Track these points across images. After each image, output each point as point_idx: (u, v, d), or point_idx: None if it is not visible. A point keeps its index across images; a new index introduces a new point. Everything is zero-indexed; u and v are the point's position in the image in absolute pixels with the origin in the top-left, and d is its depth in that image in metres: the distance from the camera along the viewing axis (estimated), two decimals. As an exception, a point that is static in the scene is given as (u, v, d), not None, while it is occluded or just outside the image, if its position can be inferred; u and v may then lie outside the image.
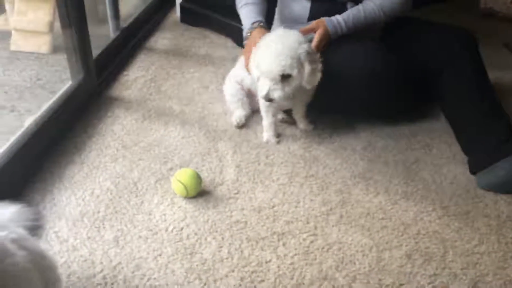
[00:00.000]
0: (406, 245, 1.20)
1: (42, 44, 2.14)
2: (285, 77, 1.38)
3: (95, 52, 1.80)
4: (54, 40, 2.15)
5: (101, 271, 1.07)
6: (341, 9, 1.58)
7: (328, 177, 1.43)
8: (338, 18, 1.54)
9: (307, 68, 1.38)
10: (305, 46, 1.39)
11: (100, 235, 1.16)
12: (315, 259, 1.14)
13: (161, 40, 2.29)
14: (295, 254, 1.15)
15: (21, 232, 0.82)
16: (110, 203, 1.27)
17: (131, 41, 2.18)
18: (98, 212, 1.23)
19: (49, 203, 1.24)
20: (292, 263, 1.13)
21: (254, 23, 1.58)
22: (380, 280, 1.10)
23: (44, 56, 2.12)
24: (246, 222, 1.24)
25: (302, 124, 1.65)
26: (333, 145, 1.58)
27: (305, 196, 1.35)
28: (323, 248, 1.18)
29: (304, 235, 1.21)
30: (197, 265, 1.10)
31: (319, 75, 1.42)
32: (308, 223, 1.25)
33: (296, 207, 1.31)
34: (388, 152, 1.56)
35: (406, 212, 1.31)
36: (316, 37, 1.50)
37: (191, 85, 1.88)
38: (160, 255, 1.12)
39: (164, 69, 1.99)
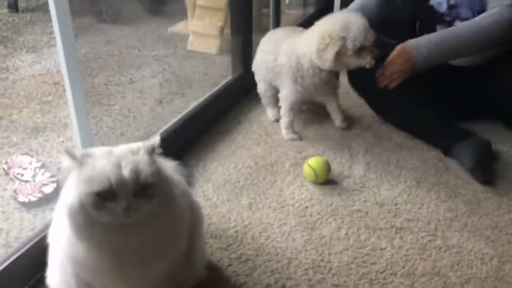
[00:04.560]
0: (534, 263, 1.15)
1: (212, 46, 2.48)
2: None
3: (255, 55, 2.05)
4: (221, 43, 2.48)
5: (235, 226, 1.25)
6: None
7: (459, 188, 1.43)
8: (424, 36, 1.48)
9: None
10: None
11: (238, 200, 1.35)
12: (430, 255, 1.17)
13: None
14: (410, 248, 1.19)
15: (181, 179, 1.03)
16: (248, 176, 1.46)
17: (286, 48, 2.40)
18: (238, 182, 1.43)
19: (201, 168, 1.49)
20: (406, 255, 1.17)
21: None
22: (495, 287, 1.08)
23: (212, 56, 2.46)
24: (367, 212, 1.32)
25: (337, 120, 1.73)
26: (470, 159, 1.55)
27: (431, 200, 1.37)
28: (440, 248, 1.19)
29: (423, 234, 1.24)
30: (315, 239, 1.22)
31: None
32: (429, 224, 1.28)
33: (419, 208, 1.34)
34: (531, 174, 1.48)
35: (540, 233, 1.25)
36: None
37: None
38: (284, 224, 1.27)
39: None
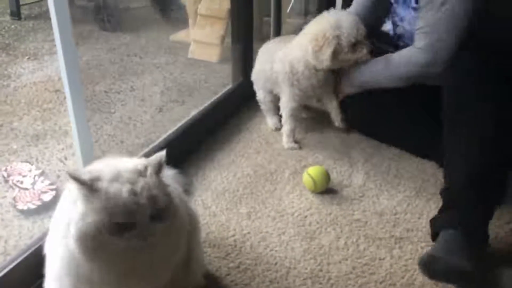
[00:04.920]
0: (534, 274, 1.14)
1: (213, 54, 2.49)
2: None
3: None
4: (222, 52, 2.48)
5: (233, 235, 1.25)
6: None
7: (458, 198, 1.42)
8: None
9: None
10: None
11: (236, 209, 1.35)
12: (430, 266, 1.17)
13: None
14: (410, 258, 1.19)
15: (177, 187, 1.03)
16: (248, 185, 1.46)
17: (287, 57, 2.41)
18: (237, 190, 1.43)
19: (200, 177, 1.49)
20: (405, 265, 1.17)
21: None
22: (496, 298, 1.07)
23: (213, 64, 2.47)
24: (366, 222, 1.32)
25: (336, 119, 1.70)
26: (469, 169, 1.55)
27: (430, 210, 1.37)
28: (440, 258, 1.19)
29: (423, 244, 1.24)
30: (314, 248, 1.21)
31: None
32: (428, 234, 1.27)
33: (419, 218, 1.34)
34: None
35: (540, 243, 1.24)
36: None
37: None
38: (283, 233, 1.26)
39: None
